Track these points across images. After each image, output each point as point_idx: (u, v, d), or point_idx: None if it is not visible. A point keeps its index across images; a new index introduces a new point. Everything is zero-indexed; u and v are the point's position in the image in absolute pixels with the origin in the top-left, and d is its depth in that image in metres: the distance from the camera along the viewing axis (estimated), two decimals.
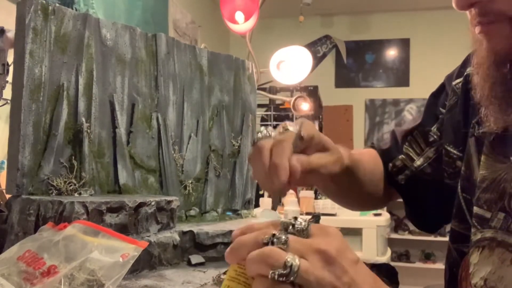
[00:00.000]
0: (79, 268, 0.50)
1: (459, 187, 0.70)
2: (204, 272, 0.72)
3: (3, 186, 0.90)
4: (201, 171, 1.01)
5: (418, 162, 0.80)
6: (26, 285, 0.50)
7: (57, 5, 0.82)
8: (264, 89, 2.73)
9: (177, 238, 0.76)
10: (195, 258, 0.77)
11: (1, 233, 0.73)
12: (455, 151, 0.74)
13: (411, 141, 0.81)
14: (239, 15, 2.05)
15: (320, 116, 3.34)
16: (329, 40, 5.01)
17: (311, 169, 0.61)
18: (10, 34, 1.16)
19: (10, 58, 1.17)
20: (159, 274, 0.69)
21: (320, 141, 0.64)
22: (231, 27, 2.07)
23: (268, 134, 0.62)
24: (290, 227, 0.45)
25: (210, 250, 0.79)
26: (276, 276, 0.42)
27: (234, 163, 1.06)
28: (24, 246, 0.55)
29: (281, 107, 3.04)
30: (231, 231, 0.81)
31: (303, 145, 0.62)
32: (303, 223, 0.46)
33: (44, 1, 0.79)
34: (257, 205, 1.40)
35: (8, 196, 0.79)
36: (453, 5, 0.57)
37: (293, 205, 1.78)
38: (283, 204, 2.25)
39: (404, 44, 4.96)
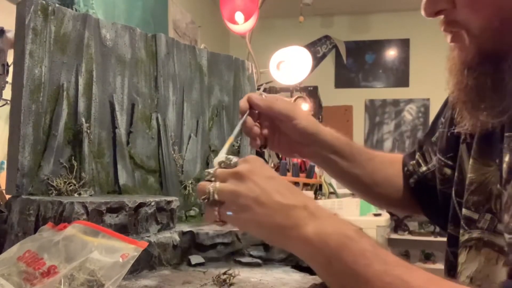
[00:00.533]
0: (79, 268, 0.50)
1: (453, 191, 0.71)
2: (204, 272, 0.72)
3: (3, 187, 0.90)
4: (201, 171, 1.01)
5: (424, 168, 0.84)
6: (26, 285, 0.50)
7: (57, 5, 0.82)
8: (264, 90, 2.73)
9: (177, 238, 0.76)
10: (195, 258, 0.77)
11: (1, 233, 0.73)
12: (443, 159, 0.77)
13: (425, 151, 0.85)
14: (239, 16, 2.06)
15: (320, 117, 3.34)
16: (329, 40, 5.01)
17: (271, 108, 0.78)
18: (10, 34, 1.16)
19: (10, 58, 1.17)
20: (159, 274, 0.70)
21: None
22: (231, 27, 2.07)
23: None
24: (222, 164, 0.59)
25: (210, 250, 0.79)
26: (202, 201, 0.57)
27: None
28: (24, 246, 0.55)
29: None
30: (231, 232, 0.81)
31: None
32: (232, 159, 0.59)
33: (44, 2, 0.79)
34: None
35: (8, 196, 0.79)
36: (421, 11, 0.62)
37: None
38: None
39: (404, 44, 4.96)
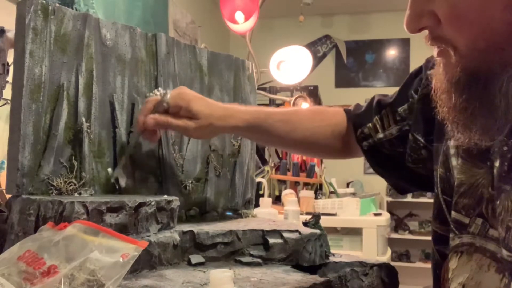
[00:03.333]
0: (79, 268, 0.50)
1: (439, 189, 0.70)
2: (204, 272, 0.72)
3: (3, 186, 0.90)
4: (201, 171, 1.01)
5: (381, 135, 0.85)
6: (26, 285, 0.50)
7: (57, 5, 0.82)
8: (264, 89, 2.73)
9: (177, 238, 0.76)
10: (195, 258, 0.77)
11: (1, 233, 0.73)
12: (422, 140, 0.76)
13: (383, 115, 0.85)
14: (239, 15, 2.06)
15: None
16: (329, 40, 5.01)
17: (168, 126, 0.85)
18: (10, 34, 1.16)
19: (10, 58, 1.17)
20: (159, 274, 0.70)
21: (188, 110, 0.84)
22: (231, 27, 2.07)
23: (155, 95, 0.86)
24: None
25: (210, 250, 0.79)
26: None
27: (234, 163, 1.06)
28: (24, 246, 0.55)
29: (281, 107, 3.03)
30: (231, 231, 0.81)
31: (171, 109, 0.84)
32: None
33: (44, 1, 0.79)
34: (257, 205, 1.40)
35: (8, 196, 0.79)
36: (404, 28, 0.60)
37: (293, 205, 1.78)
38: (283, 204, 2.25)
39: (404, 44, 4.96)
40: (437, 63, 0.62)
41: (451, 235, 0.65)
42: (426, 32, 0.60)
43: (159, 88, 0.87)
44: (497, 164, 0.56)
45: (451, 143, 0.69)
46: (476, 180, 0.62)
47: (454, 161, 0.67)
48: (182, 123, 0.84)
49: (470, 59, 0.56)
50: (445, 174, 0.69)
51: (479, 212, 0.62)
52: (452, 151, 0.68)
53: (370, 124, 0.86)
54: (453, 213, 0.64)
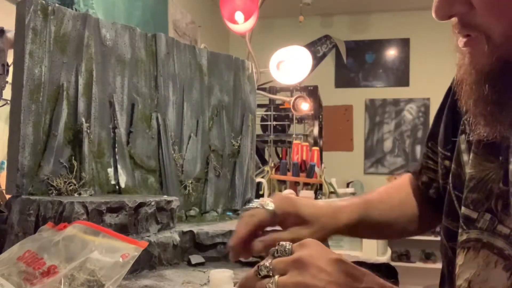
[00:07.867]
0: (79, 268, 0.50)
1: (450, 184, 0.69)
2: (204, 272, 0.72)
3: (3, 186, 0.90)
4: (201, 171, 1.01)
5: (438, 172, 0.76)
6: (26, 285, 0.50)
7: (57, 5, 0.82)
8: (264, 89, 2.72)
9: (177, 238, 0.76)
10: (195, 258, 0.77)
11: (1, 233, 0.73)
12: (443, 151, 0.73)
13: (428, 152, 0.79)
14: (239, 15, 2.06)
15: (320, 116, 3.34)
16: (329, 40, 5.01)
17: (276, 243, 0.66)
18: (10, 34, 1.16)
19: (10, 58, 1.17)
20: (159, 274, 0.69)
21: (297, 216, 0.70)
22: (231, 27, 2.07)
23: (257, 206, 0.70)
24: (275, 252, 0.54)
25: (210, 250, 0.79)
26: None
27: (234, 163, 1.06)
28: (24, 246, 0.55)
29: (281, 107, 3.03)
30: (231, 231, 0.81)
31: (278, 219, 0.69)
32: (284, 246, 0.54)
33: (43, 2, 0.79)
34: None
35: (8, 196, 0.79)
36: (433, 14, 0.55)
37: None
38: None
39: (404, 44, 4.96)
40: (463, 53, 0.58)
41: (459, 231, 0.64)
42: (453, 20, 0.56)
43: (254, 200, 0.79)
44: None
45: (462, 137, 0.67)
46: (486, 174, 0.61)
47: (465, 157, 0.66)
48: (294, 235, 0.70)
49: (506, 48, 0.52)
50: (456, 169, 0.68)
51: (487, 207, 0.61)
52: (463, 146, 0.67)
53: (423, 170, 0.79)
54: (462, 208, 0.64)
